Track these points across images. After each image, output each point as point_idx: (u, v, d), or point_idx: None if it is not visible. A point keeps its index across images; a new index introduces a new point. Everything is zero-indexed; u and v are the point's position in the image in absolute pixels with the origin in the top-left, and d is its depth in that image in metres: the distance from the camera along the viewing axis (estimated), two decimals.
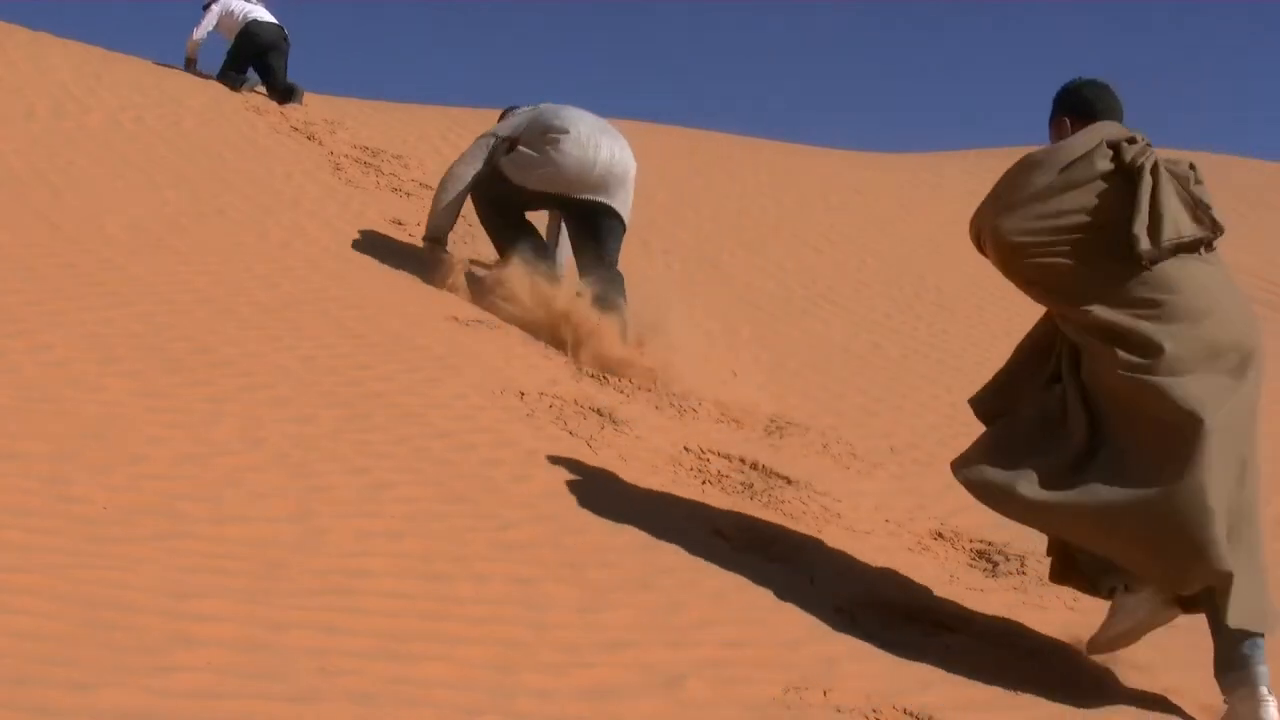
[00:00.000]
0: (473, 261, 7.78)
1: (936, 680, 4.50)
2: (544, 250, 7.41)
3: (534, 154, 7.24)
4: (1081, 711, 4.54)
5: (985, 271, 11.63)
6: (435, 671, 3.81)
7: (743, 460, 6.23)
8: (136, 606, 3.78)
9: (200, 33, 11.76)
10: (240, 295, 6.74)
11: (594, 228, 7.26)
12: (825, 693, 4.19)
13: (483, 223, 7.70)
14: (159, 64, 11.75)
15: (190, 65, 11.89)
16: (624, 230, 7.34)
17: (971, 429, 7.52)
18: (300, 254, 7.67)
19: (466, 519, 4.91)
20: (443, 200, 7.58)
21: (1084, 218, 4.40)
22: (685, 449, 6.22)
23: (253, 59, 11.55)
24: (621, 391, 6.73)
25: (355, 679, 3.65)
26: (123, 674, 3.43)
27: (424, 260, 8.06)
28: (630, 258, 9.16)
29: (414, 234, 8.53)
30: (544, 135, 7.27)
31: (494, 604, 4.33)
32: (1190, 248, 4.35)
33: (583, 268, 7.36)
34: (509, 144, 7.40)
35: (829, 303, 9.76)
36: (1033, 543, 6.07)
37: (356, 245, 8.17)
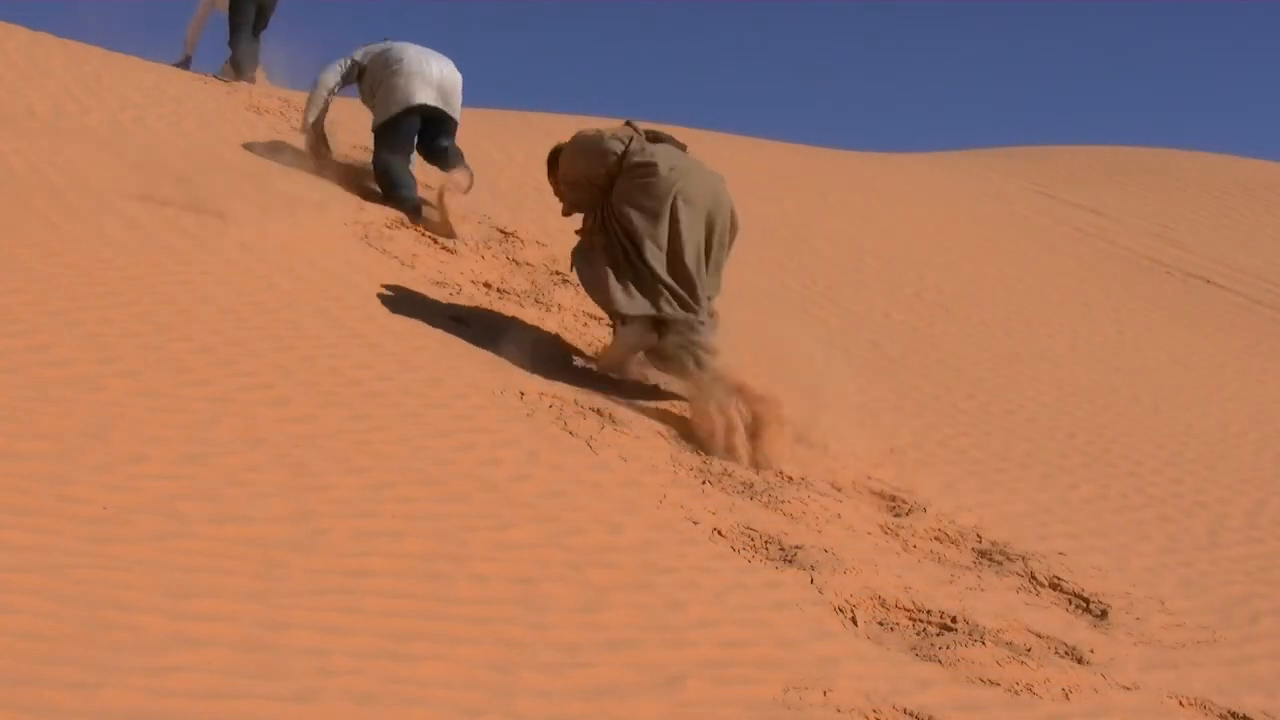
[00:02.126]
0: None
1: (936, 680, 4.50)
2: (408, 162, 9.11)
3: (380, 86, 8.98)
4: (1081, 712, 4.54)
5: (985, 271, 11.67)
6: (435, 671, 3.81)
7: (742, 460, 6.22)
8: (136, 606, 3.78)
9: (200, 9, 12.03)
10: (240, 295, 6.74)
11: (435, 130, 9.10)
12: (825, 693, 4.19)
13: (377, 172, 9.14)
14: (159, 64, 11.75)
15: (187, 63, 11.91)
16: (455, 128, 9.22)
17: (972, 429, 7.53)
18: (300, 254, 7.67)
19: (466, 519, 4.91)
20: (312, 103, 9.32)
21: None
22: (686, 449, 6.21)
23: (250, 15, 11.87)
24: (622, 392, 6.73)
25: (355, 679, 3.65)
26: (123, 674, 3.43)
27: (427, 260, 8.09)
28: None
29: (413, 233, 8.53)
30: (385, 68, 9.02)
31: (494, 604, 4.33)
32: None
33: (434, 160, 9.25)
34: (359, 69, 9.17)
35: (829, 303, 9.76)
36: (1033, 543, 6.07)
37: (356, 245, 8.17)
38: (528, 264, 8.64)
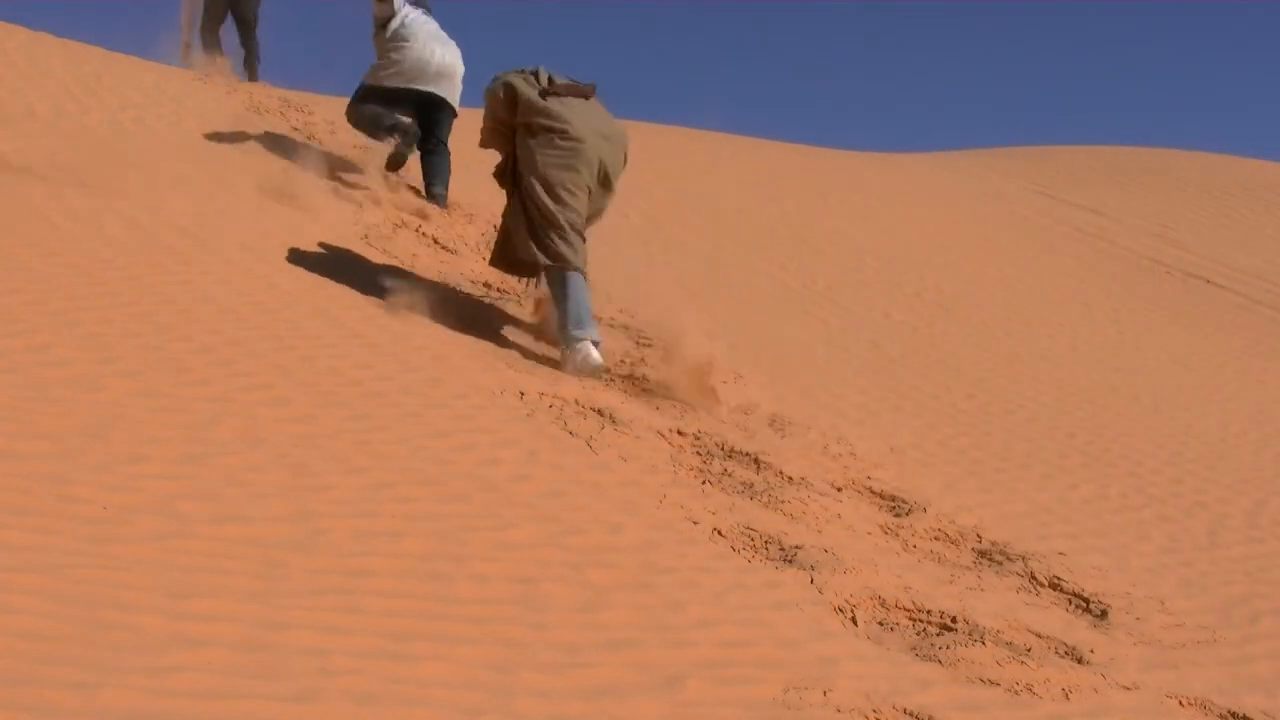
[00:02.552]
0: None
1: (936, 680, 4.50)
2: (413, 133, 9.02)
3: (386, 52, 9.00)
4: (1081, 712, 4.54)
5: (985, 271, 11.66)
6: (435, 671, 3.81)
7: (743, 459, 6.23)
8: (136, 606, 3.78)
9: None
10: (240, 295, 6.74)
11: (431, 116, 9.03)
12: (825, 693, 4.19)
13: (356, 122, 9.22)
14: (160, 64, 11.74)
15: (187, 51, 11.91)
16: (454, 116, 9.15)
17: (972, 429, 7.53)
18: (300, 254, 7.67)
19: (466, 519, 4.91)
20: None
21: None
22: (685, 449, 6.22)
23: (224, 11, 11.88)
24: (624, 391, 6.73)
25: (355, 679, 3.65)
26: (123, 674, 3.43)
27: (427, 260, 8.09)
28: (627, 253, 9.16)
29: (413, 234, 8.53)
30: (396, 38, 9.01)
31: (494, 604, 4.33)
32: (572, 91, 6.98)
33: (425, 158, 9.16)
34: (398, 24, 9.04)
35: (829, 303, 9.76)
36: (1033, 543, 6.07)
37: (356, 245, 8.17)
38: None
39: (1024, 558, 5.80)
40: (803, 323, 9.09)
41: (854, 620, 4.83)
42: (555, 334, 6.91)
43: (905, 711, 4.20)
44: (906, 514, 6.08)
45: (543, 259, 6.83)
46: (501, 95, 6.94)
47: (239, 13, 11.87)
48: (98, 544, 4.09)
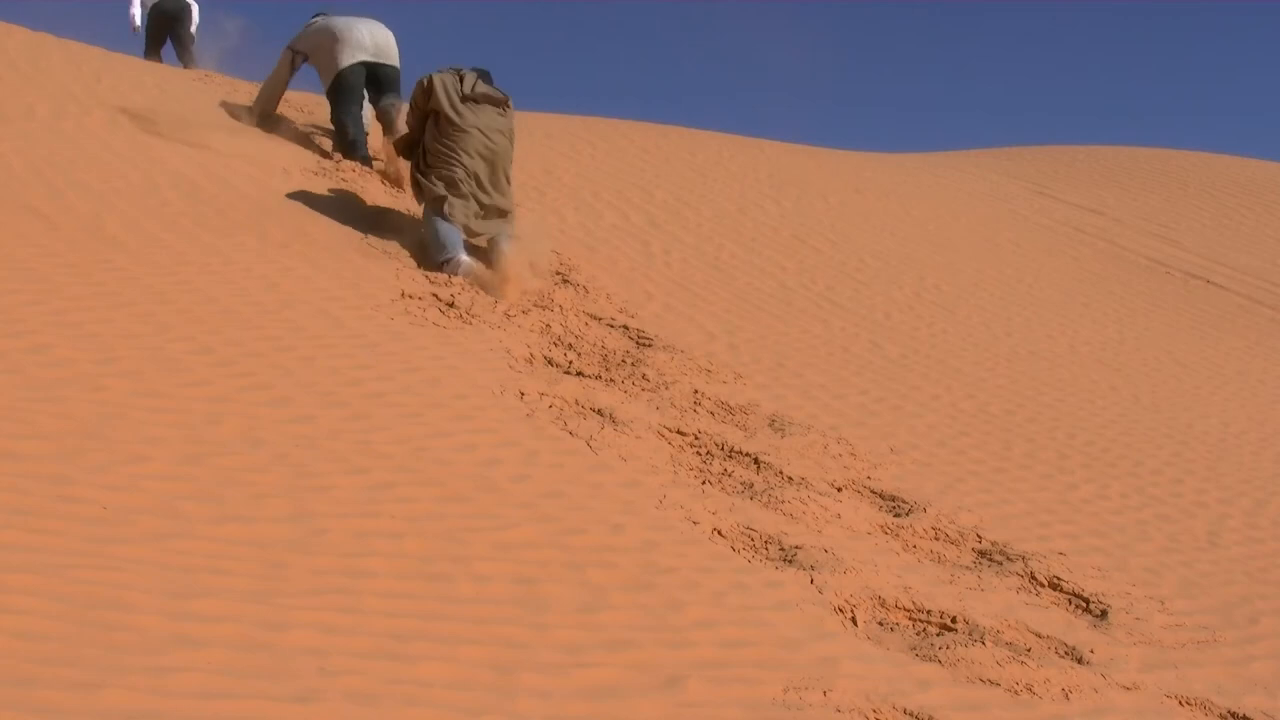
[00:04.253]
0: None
1: (936, 680, 4.50)
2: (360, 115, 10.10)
3: (321, 58, 9.98)
4: (1081, 712, 4.54)
5: (985, 272, 11.66)
6: (435, 671, 3.81)
7: (743, 459, 6.23)
8: (136, 606, 3.78)
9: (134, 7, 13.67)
10: (240, 295, 6.75)
11: (379, 81, 10.02)
12: (825, 693, 4.19)
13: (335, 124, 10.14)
14: (159, 64, 11.75)
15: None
16: (398, 78, 10.09)
17: (972, 429, 7.53)
18: (300, 254, 7.67)
19: (467, 519, 4.91)
20: (263, 100, 10.40)
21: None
22: (686, 449, 6.22)
23: (164, 34, 13.69)
24: (625, 391, 6.74)
25: (355, 679, 3.65)
26: (123, 674, 3.43)
27: (426, 260, 8.10)
28: (627, 253, 9.16)
29: (412, 236, 8.55)
30: (320, 45, 9.99)
31: (494, 604, 4.33)
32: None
33: (380, 118, 10.14)
34: (302, 56, 10.14)
35: (829, 303, 9.76)
36: (1033, 543, 6.07)
37: (356, 245, 8.18)
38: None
39: (1024, 558, 5.80)
40: (803, 323, 9.09)
41: (854, 620, 4.83)
42: (433, 257, 8.18)
43: (905, 711, 4.20)
44: (906, 514, 6.08)
45: (421, 198, 8.57)
46: (425, 85, 8.63)
47: (176, 32, 13.68)
48: (98, 544, 4.09)
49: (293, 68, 10.24)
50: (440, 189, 8.43)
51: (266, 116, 10.32)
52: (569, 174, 11.32)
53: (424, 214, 8.50)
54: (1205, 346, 11.02)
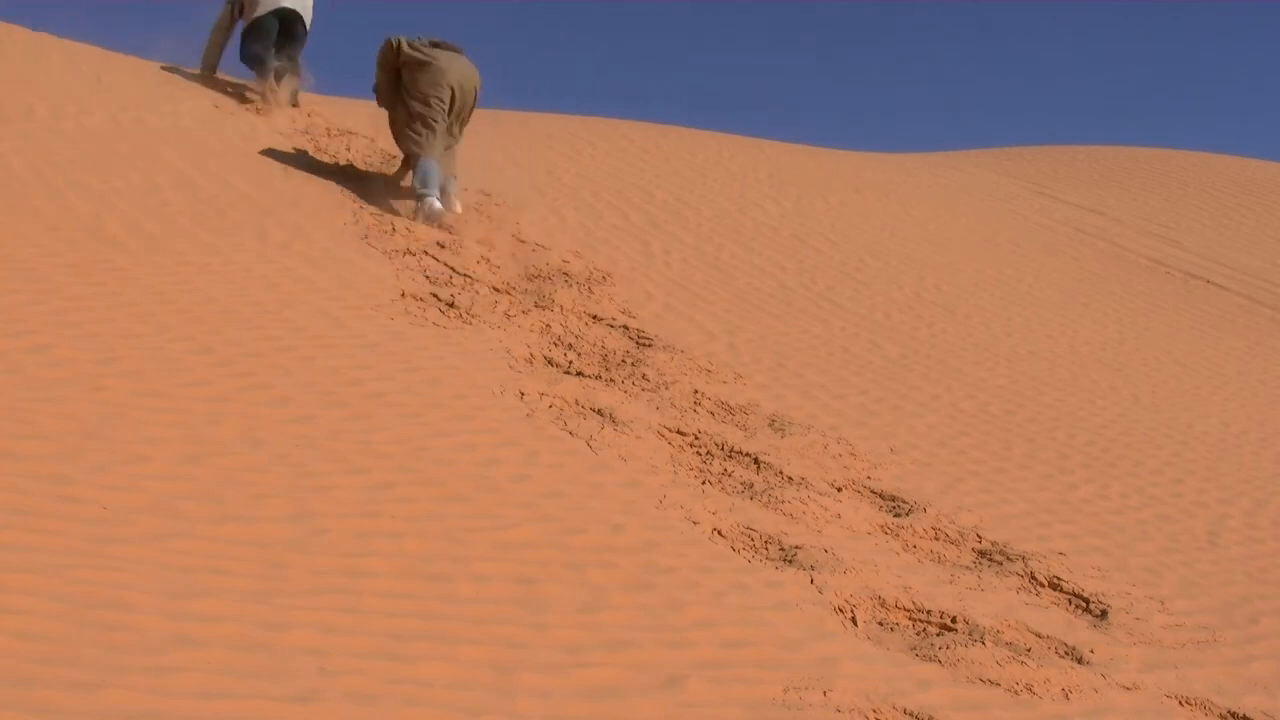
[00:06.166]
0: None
1: (936, 680, 4.50)
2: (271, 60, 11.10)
3: (249, 5, 11.01)
4: (1081, 712, 4.54)
5: (985, 272, 11.66)
6: (435, 671, 3.81)
7: (743, 459, 6.23)
8: (136, 606, 3.78)
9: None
10: (240, 295, 6.75)
11: (289, 32, 10.98)
12: (825, 693, 4.19)
13: (244, 58, 11.19)
14: (159, 64, 11.74)
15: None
16: (306, 34, 11.16)
17: (972, 429, 7.53)
18: (300, 254, 7.67)
19: (467, 519, 4.91)
20: (209, 51, 11.39)
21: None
22: (686, 449, 6.22)
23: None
24: (625, 391, 6.74)
25: (355, 679, 3.66)
26: (123, 674, 3.43)
27: (427, 261, 8.10)
28: (627, 253, 9.17)
29: (414, 235, 8.55)
30: None
31: (494, 604, 4.33)
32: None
33: (282, 50, 11.08)
34: (239, 5, 11.08)
35: (829, 303, 9.76)
36: (1033, 543, 6.07)
37: (356, 245, 8.18)
38: (528, 263, 8.65)
39: (1024, 558, 5.80)
40: (803, 323, 9.09)
41: (854, 620, 4.83)
42: (414, 188, 9.17)
43: (905, 711, 4.20)
44: (906, 514, 6.08)
45: (410, 147, 9.40)
46: (393, 45, 9.53)
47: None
48: (98, 544, 4.09)
49: (234, 18, 11.18)
50: (422, 137, 9.37)
51: (212, 68, 11.34)
52: (569, 174, 11.32)
53: (410, 158, 9.47)
54: (1205, 346, 11.02)
